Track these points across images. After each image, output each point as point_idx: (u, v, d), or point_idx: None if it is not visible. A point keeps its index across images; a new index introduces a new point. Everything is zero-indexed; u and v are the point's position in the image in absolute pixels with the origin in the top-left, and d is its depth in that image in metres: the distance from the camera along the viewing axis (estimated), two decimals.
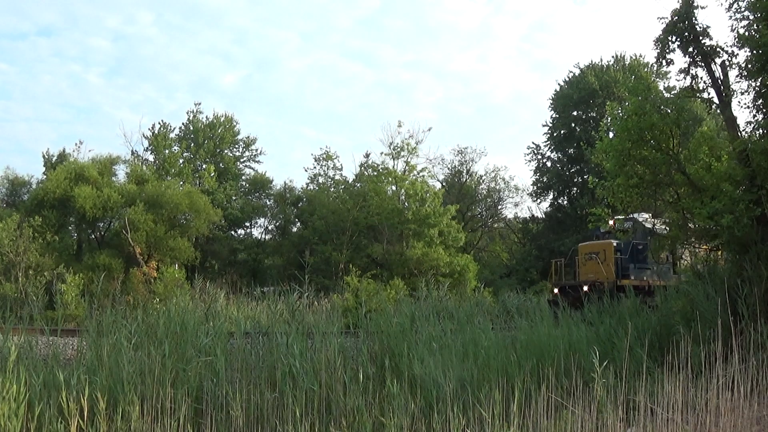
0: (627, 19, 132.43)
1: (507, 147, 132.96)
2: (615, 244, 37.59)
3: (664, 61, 21.16)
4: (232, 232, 64.14)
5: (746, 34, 19.38)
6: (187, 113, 67.26)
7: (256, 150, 70.47)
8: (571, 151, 70.96)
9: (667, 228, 33.68)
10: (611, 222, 39.09)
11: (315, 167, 61.94)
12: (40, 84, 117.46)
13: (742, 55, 19.84)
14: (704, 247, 22.46)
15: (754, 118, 19.81)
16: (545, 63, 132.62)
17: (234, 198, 63.62)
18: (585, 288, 33.99)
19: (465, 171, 69.27)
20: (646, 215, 39.76)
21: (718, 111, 21.08)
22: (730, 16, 19.95)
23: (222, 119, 67.57)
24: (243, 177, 68.98)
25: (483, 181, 69.86)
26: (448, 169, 68.81)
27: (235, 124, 68.60)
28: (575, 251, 40.74)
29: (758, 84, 19.26)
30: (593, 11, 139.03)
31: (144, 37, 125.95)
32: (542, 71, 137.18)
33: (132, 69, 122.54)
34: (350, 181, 60.39)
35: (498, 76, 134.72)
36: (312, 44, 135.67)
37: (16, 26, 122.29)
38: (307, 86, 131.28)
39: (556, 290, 37.95)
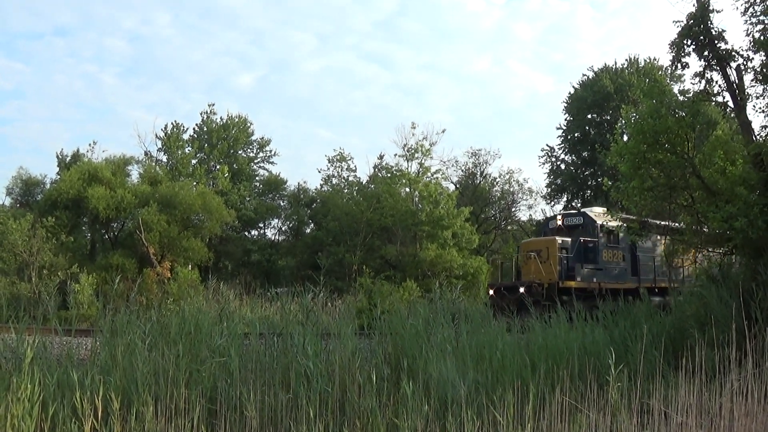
0: (643, 23, 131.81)
1: (522, 150, 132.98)
2: (560, 242, 35.30)
3: (679, 65, 21.15)
4: (246, 233, 64.11)
5: (762, 38, 19.38)
6: (201, 114, 67.50)
7: (270, 151, 70.59)
8: (585, 153, 70.95)
9: (626, 223, 33.53)
10: (559, 216, 39.16)
11: (329, 168, 61.91)
12: (55, 84, 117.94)
13: (758, 59, 19.86)
14: (718, 251, 22.36)
15: None
16: (561, 66, 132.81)
17: (248, 199, 63.59)
18: (522, 290, 32.21)
19: (479, 173, 69.14)
20: (599, 209, 38.97)
21: (733, 115, 21.07)
22: (746, 20, 19.98)
23: (236, 120, 67.60)
24: (257, 178, 69.01)
25: (497, 184, 69.66)
26: (462, 171, 68.73)
27: (249, 125, 68.72)
28: (519, 249, 38.53)
29: None
30: (610, 15, 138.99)
31: (161, 38, 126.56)
32: (558, 74, 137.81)
33: (148, 69, 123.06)
34: (364, 183, 60.37)
35: (514, 79, 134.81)
36: (328, 46, 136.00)
37: (33, 26, 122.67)
38: (323, 88, 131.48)
39: (491, 291, 34.99)
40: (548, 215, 56.05)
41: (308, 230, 62.62)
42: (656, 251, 38.95)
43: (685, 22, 20.47)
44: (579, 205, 68.16)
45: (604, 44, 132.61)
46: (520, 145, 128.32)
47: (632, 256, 37.99)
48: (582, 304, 26.70)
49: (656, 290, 36.85)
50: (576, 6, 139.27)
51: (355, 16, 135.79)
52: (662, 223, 30.76)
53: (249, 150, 69.45)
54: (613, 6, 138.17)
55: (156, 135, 62.79)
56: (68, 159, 56.28)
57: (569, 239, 35.70)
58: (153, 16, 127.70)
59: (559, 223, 38.14)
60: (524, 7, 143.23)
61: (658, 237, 38.22)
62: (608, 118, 68.44)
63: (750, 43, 19.82)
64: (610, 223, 35.45)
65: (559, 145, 74.12)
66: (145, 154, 60.40)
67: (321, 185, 63.23)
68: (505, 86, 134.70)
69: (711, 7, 20.20)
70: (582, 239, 35.79)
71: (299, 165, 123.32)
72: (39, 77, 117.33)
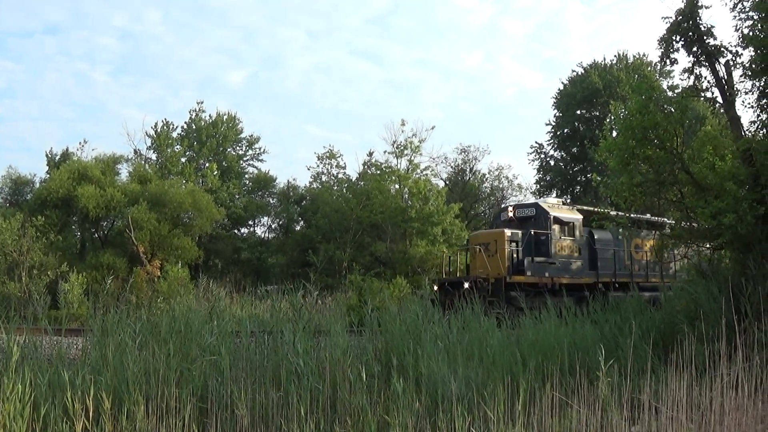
0: (633, 19, 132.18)
1: (512, 146, 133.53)
2: (508, 234, 33.77)
3: (668, 61, 21.18)
4: (236, 231, 64.04)
5: (750, 33, 19.42)
6: (190, 112, 67.32)
7: (259, 148, 70.49)
8: (574, 149, 71.09)
9: (582, 214, 33.29)
10: (510, 208, 37.54)
11: (318, 165, 61.92)
12: (45, 82, 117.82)
13: (747, 54, 19.89)
14: (708, 246, 22.40)
15: (758, 117, 19.86)
16: (552, 62, 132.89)
17: (237, 196, 63.52)
18: (466, 285, 30.23)
19: (468, 169, 69.15)
20: (553, 200, 38.30)
21: (722, 110, 21.13)
22: (735, 16, 20.01)
23: (225, 117, 67.51)
24: (246, 175, 68.97)
25: (486, 180, 69.75)
26: (452, 167, 68.74)
27: (238, 122, 68.60)
28: (469, 242, 37.10)
29: (762, 83, 19.32)
30: (600, 11, 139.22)
31: (151, 36, 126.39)
32: (549, 70, 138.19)
33: (139, 67, 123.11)
34: (353, 180, 60.37)
35: (505, 75, 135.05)
36: (320, 42, 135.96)
37: (24, 24, 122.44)
38: (314, 84, 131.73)
39: (436, 287, 33.25)
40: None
41: (298, 228, 62.65)
42: (619, 244, 38.02)
43: (674, 18, 20.51)
44: (568, 200, 68.33)
45: (594, 40, 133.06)
46: (510, 141, 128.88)
47: (590, 250, 36.94)
48: (529, 301, 27.16)
49: (617, 285, 36.07)
50: (566, 2, 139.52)
51: (346, 13, 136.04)
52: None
53: (238, 147, 69.38)
54: (603, 2, 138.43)
55: (146, 133, 62.79)
56: (58, 158, 56.22)
57: (519, 232, 34.37)
58: (144, 14, 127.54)
59: (510, 214, 36.71)
60: (515, 3, 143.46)
61: (621, 229, 37.25)
62: (597, 114, 68.65)
63: (739, 39, 19.87)
64: (564, 214, 35.54)
65: (549, 141, 74.37)
66: (135, 152, 60.44)
67: (311, 182, 63.32)
68: (495, 82, 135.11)
69: (700, 3, 20.24)
70: (533, 231, 34.49)
71: (289, 162, 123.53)
72: (30, 75, 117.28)
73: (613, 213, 37.05)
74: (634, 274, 37.89)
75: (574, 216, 36.23)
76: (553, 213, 35.06)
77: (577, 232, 36.05)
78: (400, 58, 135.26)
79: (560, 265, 34.81)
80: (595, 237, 36.96)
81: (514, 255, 33.42)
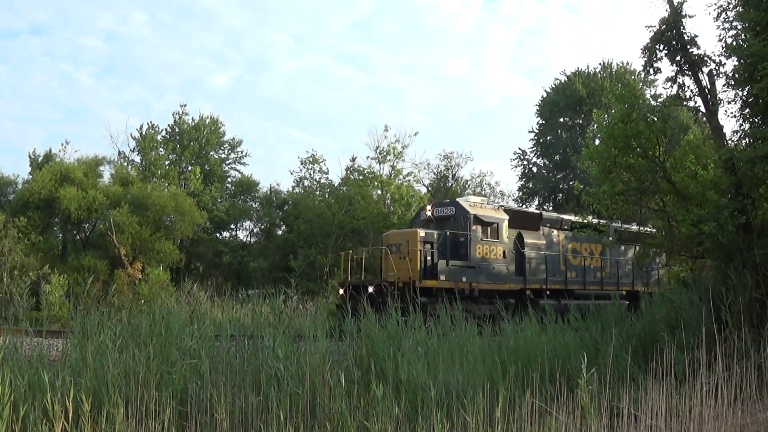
0: (618, 27, 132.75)
1: (496, 152, 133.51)
2: (422, 235, 30.98)
3: (651, 69, 21.22)
4: (217, 235, 63.94)
5: (734, 43, 19.48)
6: (173, 114, 67.32)
7: (242, 152, 70.48)
8: (557, 157, 71.28)
9: (510, 215, 32.88)
10: (428, 206, 34.91)
11: (301, 170, 62.03)
12: (30, 83, 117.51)
13: (730, 64, 19.95)
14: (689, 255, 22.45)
15: (740, 127, 19.91)
16: (537, 68, 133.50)
17: (219, 200, 63.55)
18: (370, 289, 28.92)
19: (451, 176, 69.21)
20: (475, 199, 35.76)
21: (705, 119, 21.18)
22: (718, 26, 20.05)
23: (207, 121, 67.48)
24: (229, 179, 68.95)
25: (468, 186, 69.78)
26: (434, 173, 68.81)
27: (221, 125, 68.57)
28: (382, 242, 33.60)
29: (745, 93, 19.34)
30: (585, 18, 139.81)
31: (137, 38, 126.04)
32: (534, 77, 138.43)
33: (123, 69, 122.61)
34: (336, 185, 60.46)
35: (490, 81, 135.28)
36: (305, 46, 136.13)
37: (9, 24, 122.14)
38: (298, 88, 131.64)
39: (341, 291, 31.60)
40: None
41: (280, 232, 62.59)
42: (552, 248, 36.51)
43: (657, 26, 20.56)
44: (550, 208, 68.41)
45: (579, 47, 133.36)
46: (494, 147, 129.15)
47: (518, 254, 34.58)
48: (431, 307, 26.21)
49: (548, 293, 34.24)
50: (552, 9, 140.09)
51: (331, 17, 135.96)
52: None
53: (221, 151, 69.36)
54: (589, 9, 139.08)
55: (130, 135, 62.80)
56: (41, 159, 56.13)
57: (435, 232, 31.80)
58: (129, 16, 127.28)
59: (429, 213, 34.00)
60: (501, 9, 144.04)
61: (555, 232, 36.80)
62: (580, 122, 68.97)
63: (722, 49, 19.93)
64: (487, 214, 33.38)
65: (531, 148, 74.54)
66: (119, 154, 60.42)
67: (293, 187, 63.45)
68: (480, 88, 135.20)
69: (683, 12, 20.30)
70: (449, 232, 31.95)
71: (272, 166, 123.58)
72: (15, 76, 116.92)
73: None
74: (569, 280, 36.61)
75: (498, 216, 33.95)
76: (474, 212, 32.67)
77: (503, 234, 33.67)
78: (384, 63, 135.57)
79: (481, 269, 32.31)
80: (525, 240, 35.01)
81: (428, 257, 30.92)
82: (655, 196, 22.08)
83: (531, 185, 73.71)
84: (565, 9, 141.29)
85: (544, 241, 36.18)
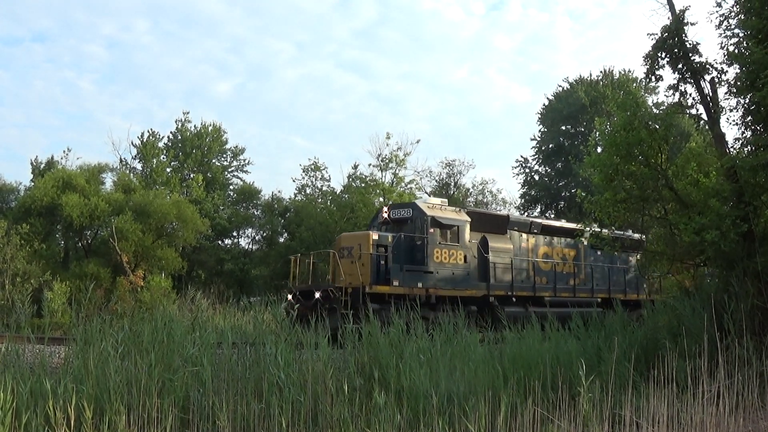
0: (621, 34, 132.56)
1: (498, 160, 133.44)
2: (375, 238, 29.68)
3: (653, 77, 21.22)
4: (219, 242, 63.97)
5: (736, 51, 19.48)
6: (176, 122, 67.37)
7: (244, 160, 70.55)
8: (559, 165, 71.27)
9: (473, 217, 31.75)
10: (385, 208, 33.57)
11: (303, 178, 62.00)
12: (32, 90, 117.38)
13: (732, 72, 19.96)
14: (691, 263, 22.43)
15: (742, 134, 19.92)
16: (539, 76, 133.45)
17: (221, 208, 63.59)
18: (317, 295, 27.55)
19: (453, 183, 69.17)
20: (435, 200, 34.33)
21: (707, 127, 21.19)
22: (720, 34, 20.07)
23: (210, 129, 67.53)
24: (231, 187, 68.99)
25: (470, 194, 69.74)
26: (436, 181, 68.77)
27: (223, 133, 68.64)
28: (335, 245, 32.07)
29: (747, 101, 19.36)
30: (588, 26, 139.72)
31: (139, 45, 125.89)
32: (535, 85, 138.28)
33: (126, 76, 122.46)
34: (338, 192, 60.42)
35: (492, 89, 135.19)
36: (307, 54, 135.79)
37: (11, 32, 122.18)
38: (301, 96, 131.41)
39: (290, 296, 29.40)
40: None
41: (282, 239, 62.50)
42: (521, 253, 34.77)
43: (659, 34, 20.56)
44: (552, 215, 68.34)
45: (582, 55, 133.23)
46: (496, 155, 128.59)
47: (481, 258, 32.82)
48: (383, 314, 24.72)
49: (514, 300, 32.85)
50: (555, 17, 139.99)
51: (334, 25, 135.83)
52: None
53: (223, 158, 69.41)
54: (592, 17, 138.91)
55: (132, 143, 62.85)
56: (42, 166, 56.25)
57: (390, 235, 30.48)
58: (132, 23, 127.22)
59: (385, 215, 32.45)
60: (504, 17, 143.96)
61: (524, 235, 35.17)
62: (582, 129, 68.92)
63: (724, 56, 19.94)
64: (447, 216, 31.79)
65: (533, 156, 74.56)
66: (121, 161, 60.46)
67: (295, 194, 63.36)
68: (482, 96, 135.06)
69: (685, 20, 20.30)
70: (404, 235, 30.61)
71: (274, 173, 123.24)
72: (17, 83, 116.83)
73: (537, 220, 36.25)
74: (538, 287, 34.73)
75: (459, 218, 32.25)
76: (432, 214, 30.96)
77: (464, 238, 32.07)
78: (387, 71, 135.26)
79: (439, 274, 30.59)
80: (490, 244, 33.20)
81: (381, 261, 29.41)
82: (657, 204, 22.06)
83: (533, 193, 73.75)
84: (567, 17, 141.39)
85: (512, 246, 34.54)
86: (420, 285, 29.54)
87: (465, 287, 31.17)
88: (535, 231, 36.00)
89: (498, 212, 39.02)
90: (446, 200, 35.06)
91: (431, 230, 30.61)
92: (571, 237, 34.91)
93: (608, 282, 38.18)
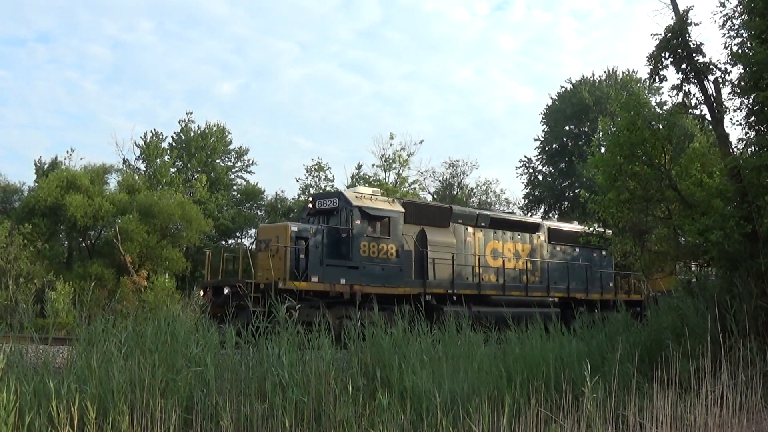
0: (625, 35, 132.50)
1: (502, 160, 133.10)
2: (293, 230, 27.64)
3: (657, 77, 21.18)
4: (223, 242, 63.95)
5: (739, 51, 19.45)
6: (180, 122, 67.43)
7: (248, 160, 70.65)
8: (562, 165, 71.23)
9: (408, 209, 29.99)
10: (311, 198, 32.04)
11: (307, 178, 62.07)
12: (35, 90, 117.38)
13: (735, 72, 19.91)
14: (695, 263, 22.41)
15: (746, 135, 19.87)
16: (543, 76, 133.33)
17: (225, 208, 63.61)
18: (226, 291, 25.56)
19: (456, 184, 69.18)
20: (364, 190, 32.26)
21: (711, 127, 21.14)
22: (724, 34, 20.03)
23: (214, 129, 67.56)
24: (234, 187, 69.01)
25: (474, 194, 69.74)
26: (440, 181, 68.78)
27: (227, 134, 68.72)
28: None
29: (751, 101, 19.32)
30: (593, 26, 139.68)
31: (143, 45, 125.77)
32: (539, 85, 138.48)
33: (129, 77, 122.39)
34: None
35: (495, 90, 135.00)
36: (311, 54, 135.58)
37: (15, 32, 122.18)
38: (304, 96, 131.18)
39: (201, 293, 28.94)
40: None
41: None
42: (465, 248, 32.65)
43: (663, 34, 20.53)
44: (556, 215, 68.29)
45: (586, 55, 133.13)
46: (499, 155, 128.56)
47: (417, 253, 30.53)
48: (313, 313, 23.86)
49: (454, 298, 30.52)
50: (559, 17, 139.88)
51: (337, 25, 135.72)
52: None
53: (227, 159, 69.48)
54: (596, 17, 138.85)
55: (135, 143, 62.90)
56: (46, 166, 56.34)
57: (312, 227, 28.49)
58: (136, 23, 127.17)
59: (311, 206, 30.85)
60: (508, 17, 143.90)
61: (470, 229, 33.00)
62: (586, 129, 68.84)
63: (728, 56, 19.89)
64: (378, 206, 29.76)
65: (537, 156, 74.53)
66: (124, 162, 60.48)
67: (299, 195, 63.27)
68: (486, 96, 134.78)
69: (689, 21, 20.27)
70: (326, 227, 28.71)
71: (278, 174, 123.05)
72: (20, 83, 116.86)
73: (485, 212, 35.09)
74: (483, 284, 32.52)
75: (390, 209, 30.13)
76: (359, 204, 29.02)
77: (397, 230, 29.95)
78: (390, 72, 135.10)
79: (366, 270, 28.57)
80: (428, 238, 31.03)
81: (301, 255, 27.22)
82: (661, 204, 22.02)
83: (536, 193, 73.71)
84: (572, 17, 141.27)
85: (454, 240, 32.31)
86: (343, 281, 27.73)
87: (397, 284, 29.26)
88: (483, 224, 33.96)
89: (440, 204, 37.07)
90: (379, 190, 33.57)
91: (357, 221, 28.74)
92: (526, 231, 33.94)
93: (567, 280, 36.24)
